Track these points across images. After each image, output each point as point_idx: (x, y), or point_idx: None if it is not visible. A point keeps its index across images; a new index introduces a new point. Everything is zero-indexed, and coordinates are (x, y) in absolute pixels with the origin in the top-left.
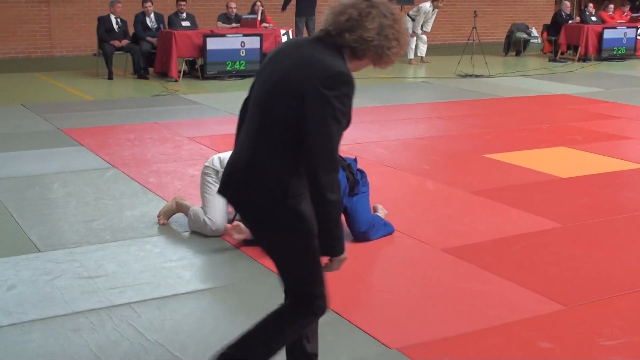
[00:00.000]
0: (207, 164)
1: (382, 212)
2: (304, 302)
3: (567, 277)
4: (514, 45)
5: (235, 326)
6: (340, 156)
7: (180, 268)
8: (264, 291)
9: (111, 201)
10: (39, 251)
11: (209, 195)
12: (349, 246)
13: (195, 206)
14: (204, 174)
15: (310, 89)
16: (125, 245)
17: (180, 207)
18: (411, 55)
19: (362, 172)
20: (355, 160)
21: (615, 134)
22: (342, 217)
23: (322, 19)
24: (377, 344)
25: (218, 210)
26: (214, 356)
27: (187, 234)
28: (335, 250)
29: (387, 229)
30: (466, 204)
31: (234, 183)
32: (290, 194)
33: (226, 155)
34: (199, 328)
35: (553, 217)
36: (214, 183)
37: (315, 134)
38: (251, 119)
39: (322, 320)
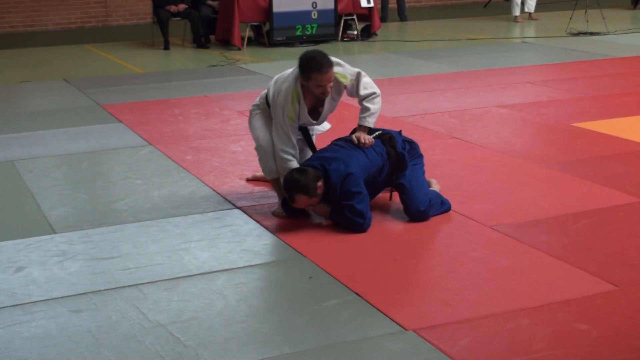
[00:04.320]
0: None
1: (436, 187)
2: None
3: (628, 255)
4: None
5: (243, 309)
6: (382, 129)
7: (198, 249)
8: (281, 275)
9: (140, 180)
10: (55, 232)
11: (252, 120)
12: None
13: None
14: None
15: None
16: (145, 226)
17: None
18: (517, 12)
19: (410, 142)
20: (399, 132)
21: None
22: (397, 195)
23: None
24: (392, 324)
25: (259, 128)
26: None
27: (212, 214)
28: None
29: (444, 207)
30: (534, 178)
31: None
32: None
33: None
34: (206, 310)
35: (632, 190)
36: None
37: None
38: None
39: (338, 300)
